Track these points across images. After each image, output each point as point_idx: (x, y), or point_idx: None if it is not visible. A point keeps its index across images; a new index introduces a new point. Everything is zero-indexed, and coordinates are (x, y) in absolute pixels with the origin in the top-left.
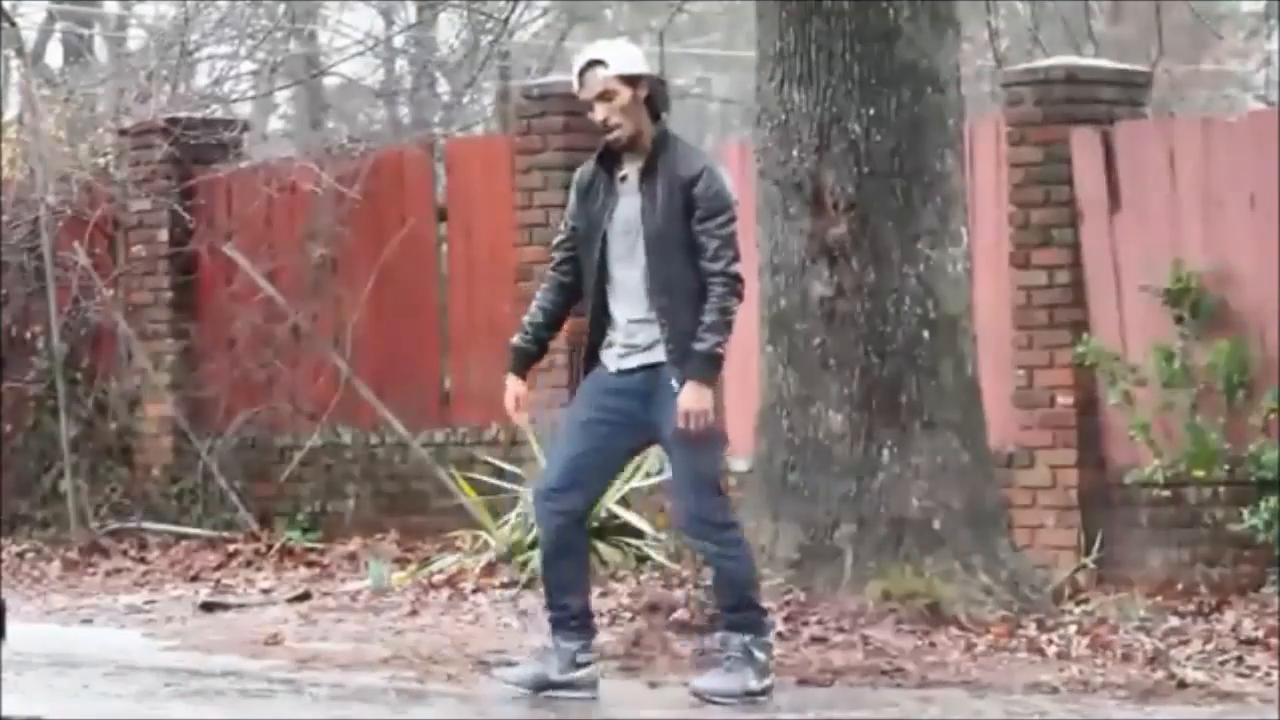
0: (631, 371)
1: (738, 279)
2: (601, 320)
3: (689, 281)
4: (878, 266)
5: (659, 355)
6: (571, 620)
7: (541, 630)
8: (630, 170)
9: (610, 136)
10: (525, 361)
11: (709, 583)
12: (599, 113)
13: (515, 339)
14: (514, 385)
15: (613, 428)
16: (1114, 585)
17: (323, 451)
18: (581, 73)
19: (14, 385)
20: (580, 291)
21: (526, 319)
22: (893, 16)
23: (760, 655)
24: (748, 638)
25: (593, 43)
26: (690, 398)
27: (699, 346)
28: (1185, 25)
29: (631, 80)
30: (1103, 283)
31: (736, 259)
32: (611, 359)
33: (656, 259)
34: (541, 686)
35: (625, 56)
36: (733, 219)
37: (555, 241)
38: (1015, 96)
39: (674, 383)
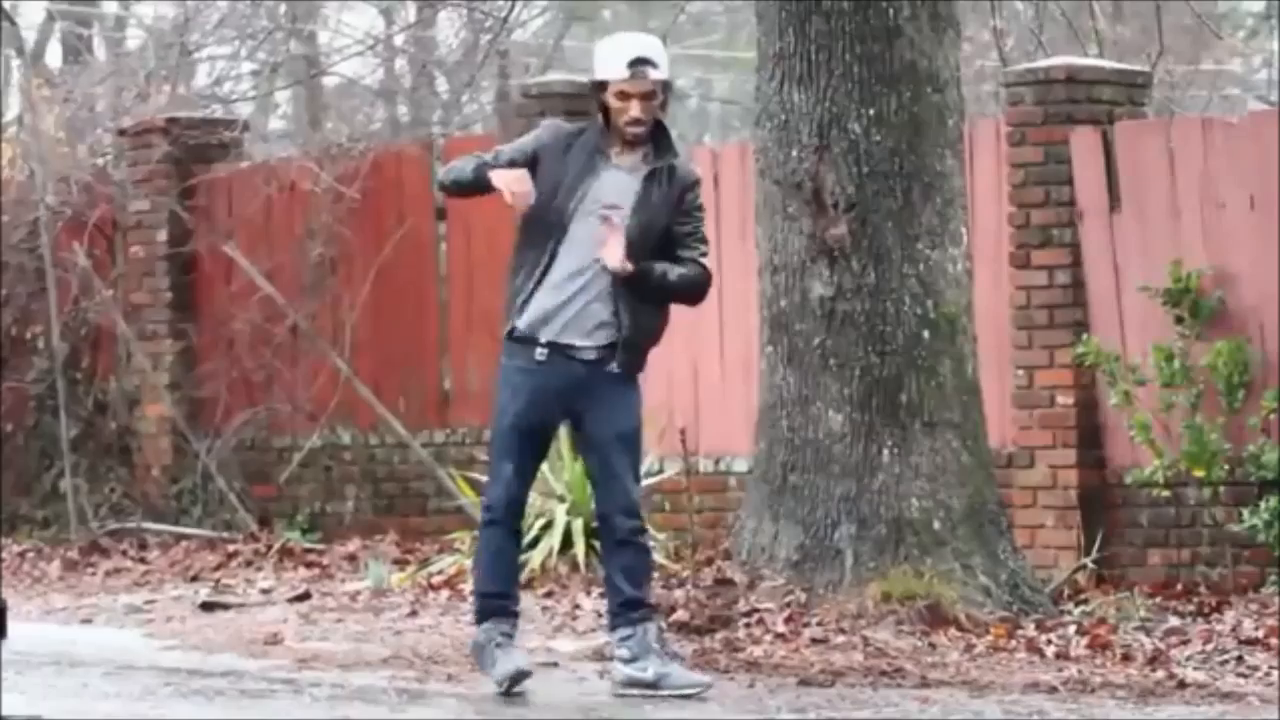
0: (578, 349)
1: (709, 271)
2: (539, 284)
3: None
4: (878, 266)
5: (603, 339)
6: None
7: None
8: (626, 158)
9: (637, 131)
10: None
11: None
12: (636, 109)
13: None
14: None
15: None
16: (1114, 585)
17: (322, 452)
18: (632, 65)
19: (14, 385)
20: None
21: (477, 161)
22: (893, 16)
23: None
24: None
25: (630, 34)
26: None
27: (665, 267)
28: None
29: (667, 85)
30: (1103, 283)
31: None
32: (548, 333)
33: (633, 246)
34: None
35: (665, 60)
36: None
37: (486, 160)
38: (1015, 96)
39: (614, 367)
